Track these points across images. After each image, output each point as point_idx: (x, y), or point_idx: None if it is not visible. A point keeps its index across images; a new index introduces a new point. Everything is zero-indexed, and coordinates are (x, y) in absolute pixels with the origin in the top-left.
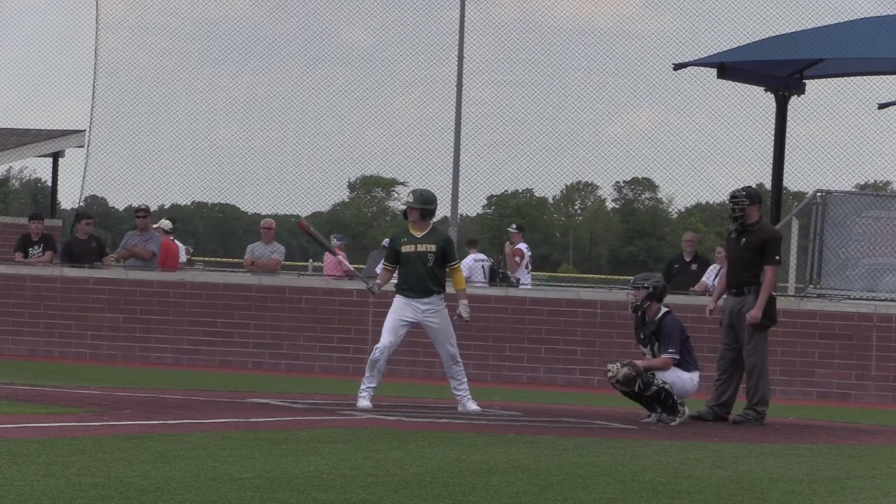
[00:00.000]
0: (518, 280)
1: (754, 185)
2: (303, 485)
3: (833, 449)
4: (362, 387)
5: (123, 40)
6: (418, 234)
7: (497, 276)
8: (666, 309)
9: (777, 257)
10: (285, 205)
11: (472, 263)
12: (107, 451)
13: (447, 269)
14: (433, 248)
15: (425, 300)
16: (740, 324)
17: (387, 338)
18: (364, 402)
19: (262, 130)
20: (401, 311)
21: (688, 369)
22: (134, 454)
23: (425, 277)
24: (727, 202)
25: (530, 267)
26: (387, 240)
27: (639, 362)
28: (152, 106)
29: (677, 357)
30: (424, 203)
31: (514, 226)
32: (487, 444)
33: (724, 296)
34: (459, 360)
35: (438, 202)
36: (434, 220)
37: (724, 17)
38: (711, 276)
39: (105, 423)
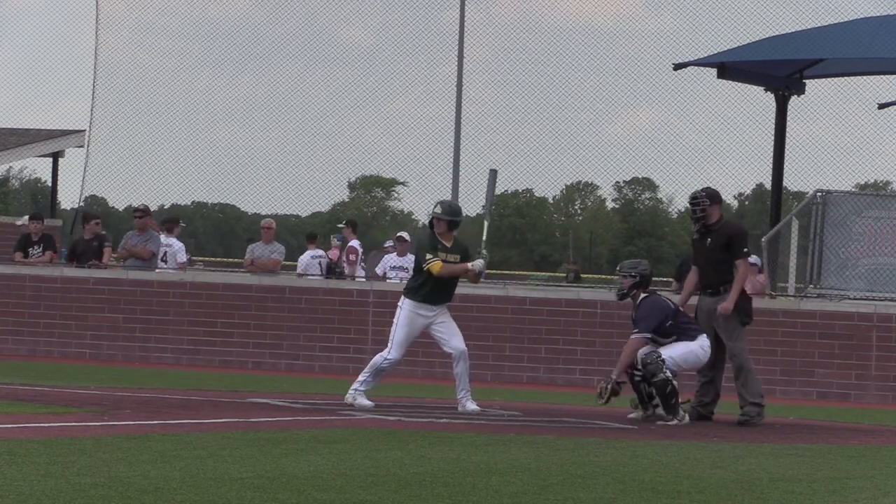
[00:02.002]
0: (353, 277)
1: (754, 185)
2: (303, 485)
3: (833, 449)
4: (359, 386)
5: (123, 40)
6: (448, 245)
7: (334, 271)
8: (645, 294)
9: (745, 249)
10: (285, 205)
11: (309, 260)
12: (107, 451)
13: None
14: (458, 258)
15: (441, 306)
16: (719, 324)
17: (399, 352)
18: (364, 400)
19: (262, 130)
20: (412, 323)
21: (692, 337)
22: (134, 454)
23: (452, 287)
24: (688, 204)
25: (364, 263)
26: (390, 242)
27: (613, 375)
28: (152, 106)
29: (644, 335)
30: (453, 215)
31: (345, 222)
32: (487, 444)
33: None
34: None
35: (434, 205)
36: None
37: (724, 17)
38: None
39: (105, 423)
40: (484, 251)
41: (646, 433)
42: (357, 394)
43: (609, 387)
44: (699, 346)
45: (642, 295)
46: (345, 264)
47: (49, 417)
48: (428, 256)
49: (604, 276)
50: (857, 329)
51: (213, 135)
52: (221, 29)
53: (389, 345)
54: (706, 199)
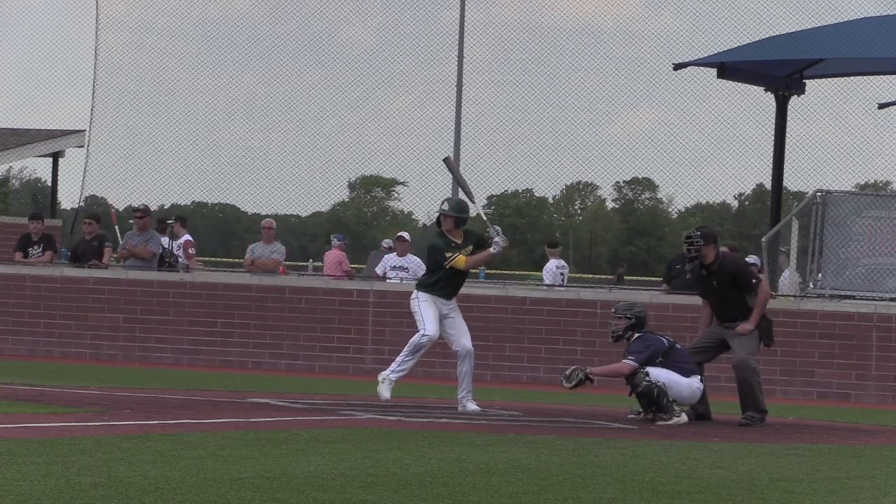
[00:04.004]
0: (188, 266)
1: (754, 185)
2: (303, 485)
3: (833, 449)
4: (396, 367)
5: (123, 40)
6: (458, 241)
7: (169, 262)
8: (639, 333)
9: (754, 280)
10: (285, 205)
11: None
12: (107, 451)
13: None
14: (470, 249)
15: (453, 300)
16: (734, 335)
17: (433, 327)
18: (387, 392)
19: (262, 130)
20: (433, 304)
21: (686, 375)
22: (134, 454)
23: (463, 281)
24: (683, 242)
25: (195, 253)
26: (387, 241)
27: (592, 369)
28: (152, 106)
29: (634, 364)
30: (460, 212)
31: (174, 217)
32: (487, 444)
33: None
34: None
35: (441, 202)
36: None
37: (724, 17)
38: None
39: (105, 423)
40: (492, 228)
41: (646, 433)
42: (388, 384)
43: (581, 375)
44: (688, 383)
45: (636, 335)
46: (182, 257)
47: (49, 417)
48: (448, 255)
49: (604, 276)
50: (857, 329)
51: (213, 135)
52: (221, 29)
53: (421, 325)
54: (700, 238)
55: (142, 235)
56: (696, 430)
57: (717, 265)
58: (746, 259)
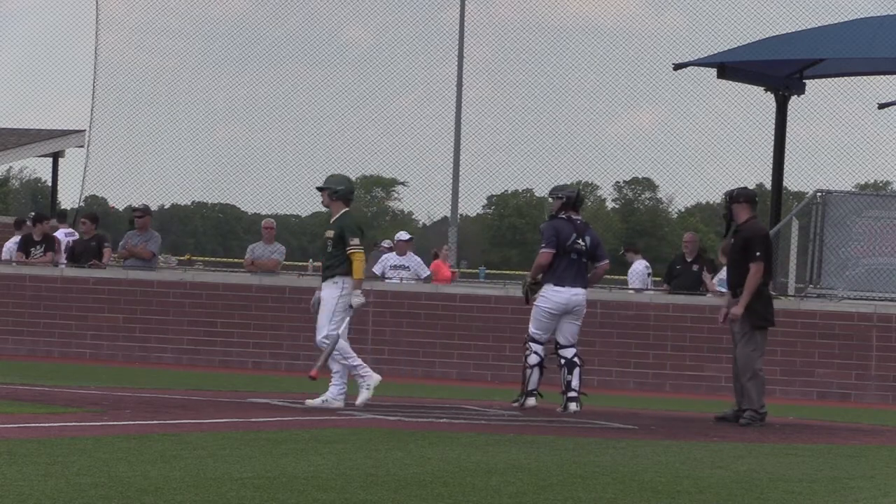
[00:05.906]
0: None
1: (754, 185)
2: (303, 485)
3: (833, 449)
4: (360, 381)
5: (123, 40)
6: (331, 221)
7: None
8: (558, 217)
9: (757, 253)
10: (285, 205)
11: (64, 238)
12: (107, 451)
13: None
14: (331, 233)
15: (326, 283)
16: (733, 327)
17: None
18: (360, 399)
19: (262, 130)
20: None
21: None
22: (134, 454)
23: (325, 262)
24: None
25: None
26: (387, 241)
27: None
28: (152, 106)
29: (546, 249)
30: (327, 184)
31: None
32: (487, 444)
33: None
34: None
35: (350, 183)
36: (434, 222)
37: (724, 17)
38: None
39: (105, 423)
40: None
41: (646, 433)
42: (364, 392)
43: (525, 288)
44: (537, 306)
45: (559, 216)
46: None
47: (49, 417)
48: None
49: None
50: (857, 329)
51: (213, 135)
52: (221, 29)
53: None
54: (730, 198)
55: (142, 235)
56: (696, 429)
57: (743, 227)
58: None
